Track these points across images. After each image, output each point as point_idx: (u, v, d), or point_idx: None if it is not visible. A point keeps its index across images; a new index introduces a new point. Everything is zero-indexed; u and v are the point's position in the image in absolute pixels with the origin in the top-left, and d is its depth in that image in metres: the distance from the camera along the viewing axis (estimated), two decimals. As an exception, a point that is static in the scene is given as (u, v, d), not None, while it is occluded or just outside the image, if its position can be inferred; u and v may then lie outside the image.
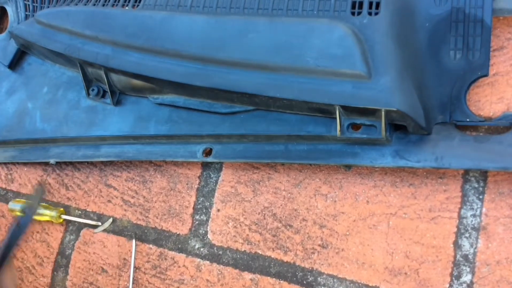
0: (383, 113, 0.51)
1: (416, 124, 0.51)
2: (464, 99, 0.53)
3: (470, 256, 0.53)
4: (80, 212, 0.74)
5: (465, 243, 0.53)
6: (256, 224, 0.63)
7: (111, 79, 0.68)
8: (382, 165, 0.55)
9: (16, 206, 0.76)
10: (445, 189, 0.55)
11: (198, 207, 0.67)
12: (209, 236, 0.66)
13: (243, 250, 0.63)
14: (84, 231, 0.74)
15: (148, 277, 0.68)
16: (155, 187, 0.70)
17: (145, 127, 0.67)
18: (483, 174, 0.54)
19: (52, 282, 0.74)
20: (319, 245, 0.60)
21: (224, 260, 0.64)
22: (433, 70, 0.54)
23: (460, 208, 0.54)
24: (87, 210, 0.74)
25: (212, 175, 0.67)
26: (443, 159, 0.52)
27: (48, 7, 0.75)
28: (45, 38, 0.71)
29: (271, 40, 0.56)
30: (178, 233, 0.67)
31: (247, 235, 0.63)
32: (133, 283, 0.69)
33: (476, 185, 0.54)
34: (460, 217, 0.54)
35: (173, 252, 0.67)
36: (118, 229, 0.71)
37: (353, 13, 0.54)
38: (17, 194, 0.80)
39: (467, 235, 0.54)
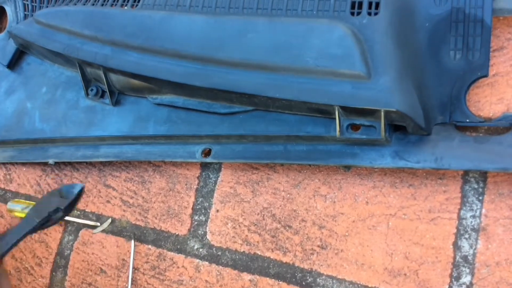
0: (382, 113, 0.51)
1: (416, 124, 0.51)
2: (464, 100, 0.53)
3: (469, 257, 0.53)
4: (79, 212, 0.74)
5: (465, 244, 0.53)
6: (255, 224, 0.63)
7: (110, 79, 0.68)
8: (382, 166, 0.54)
9: (15, 206, 0.76)
10: (444, 190, 0.55)
11: (197, 207, 0.67)
12: (208, 236, 0.65)
13: (242, 250, 0.63)
14: (83, 232, 0.73)
15: (147, 278, 0.68)
16: (154, 188, 0.70)
17: (144, 127, 0.67)
18: (483, 175, 0.54)
19: (51, 283, 0.74)
20: (318, 246, 0.59)
21: (223, 260, 0.64)
22: (433, 70, 0.54)
23: (460, 209, 0.54)
24: (86, 210, 0.74)
25: (211, 176, 0.67)
26: (443, 160, 0.52)
27: (47, 7, 0.75)
28: (44, 38, 0.71)
29: (270, 40, 0.56)
30: (177, 233, 0.67)
31: (246, 235, 0.63)
32: (132, 283, 0.68)
33: (476, 186, 0.54)
34: (460, 218, 0.54)
35: (172, 253, 0.67)
36: (117, 229, 0.71)
37: (352, 13, 0.54)
38: (16, 194, 0.79)
39: (466, 236, 0.53)
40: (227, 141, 0.63)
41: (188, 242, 0.66)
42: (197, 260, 0.65)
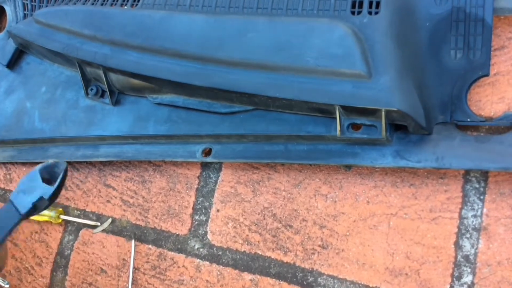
0: (383, 113, 0.51)
1: (417, 124, 0.51)
2: (465, 99, 0.53)
3: (471, 257, 0.53)
4: (79, 212, 0.74)
5: (466, 244, 0.53)
6: (256, 224, 0.63)
7: (110, 78, 0.68)
8: (383, 165, 0.54)
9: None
10: (446, 190, 0.55)
11: (198, 207, 0.67)
12: (209, 236, 0.65)
13: (242, 250, 0.63)
14: (83, 232, 0.73)
15: (148, 278, 0.68)
16: (154, 187, 0.70)
17: (144, 127, 0.67)
18: (484, 175, 0.54)
19: (51, 283, 0.74)
20: (319, 246, 0.59)
21: (223, 260, 0.64)
22: (434, 70, 0.54)
23: (461, 209, 0.54)
24: (86, 210, 0.74)
25: (211, 175, 0.67)
26: (444, 159, 0.52)
27: (47, 6, 0.75)
28: (44, 37, 0.71)
29: (270, 40, 0.56)
30: (177, 233, 0.67)
31: (247, 235, 0.63)
32: (132, 283, 0.68)
33: (477, 186, 0.54)
34: (461, 218, 0.54)
35: (172, 253, 0.67)
36: (117, 229, 0.71)
37: (353, 13, 0.54)
38: None
39: (468, 235, 0.53)
40: (228, 140, 0.63)
41: (189, 242, 0.66)
42: (198, 260, 0.65)
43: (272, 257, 0.61)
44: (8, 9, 0.80)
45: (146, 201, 0.70)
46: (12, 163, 0.80)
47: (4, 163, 0.81)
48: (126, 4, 0.67)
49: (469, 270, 0.53)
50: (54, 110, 0.74)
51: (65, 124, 0.73)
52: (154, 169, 0.70)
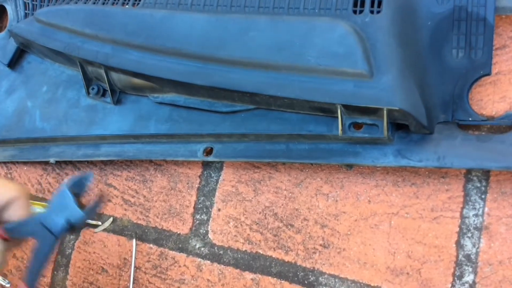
0: (385, 112, 0.51)
1: (418, 123, 0.51)
2: (466, 98, 0.53)
3: (472, 256, 0.53)
4: (80, 211, 0.74)
5: (467, 243, 0.53)
6: (257, 223, 0.63)
7: (111, 77, 0.68)
8: (384, 165, 0.54)
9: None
10: (447, 189, 0.55)
11: (199, 206, 0.67)
12: (210, 235, 0.65)
13: (244, 249, 0.63)
14: (84, 231, 0.73)
15: (149, 277, 0.68)
16: (155, 187, 0.69)
17: (145, 126, 0.67)
18: (486, 174, 0.54)
19: (52, 282, 0.74)
20: (320, 245, 0.59)
21: (225, 259, 0.64)
22: (435, 69, 0.54)
23: (462, 208, 0.54)
24: (87, 209, 0.74)
25: (212, 175, 0.67)
26: (445, 159, 0.52)
27: (48, 5, 0.75)
28: (45, 36, 0.71)
29: (272, 39, 0.56)
30: (178, 232, 0.67)
31: (248, 234, 0.63)
32: (133, 282, 0.68)
33: (479, 185, 0.54)
34: (462, 217, 0.54)
35: (173, 252, 0.67)
36: (119, 228, 0.71)
37: (355, 12, 0.54)
38: None
39: (469, 235, 0.53)
40: (229, 139, 0.63)
41: (190, 241, 0.66)
42: (199, 259, 0.65)
43: (273, 256, 0.61)
44: (9, 8, 0.80)
45: (147, 200, 0.70)
46: (13, 163, 0.80)
47: (5, 163, 0.81)
48: (127, 3, 0.67)
49: (470, 269, 0.53)
50: (55, 109, 0.74)
51: (66, 124, 0.73)
52: (155, 168, 0.70)
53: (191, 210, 0.67)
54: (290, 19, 0.56)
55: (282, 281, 0.60)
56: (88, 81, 0.71)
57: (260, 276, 0.62)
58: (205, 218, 0.66)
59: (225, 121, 0.62)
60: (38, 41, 0.71)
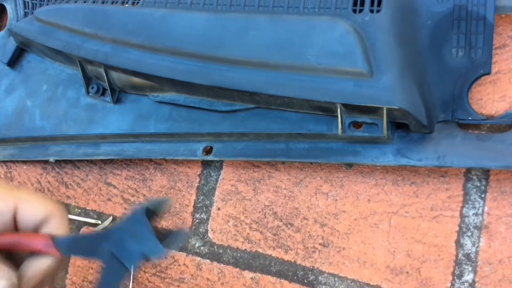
0: (384, 111, 0.51)
1: (418, 122, 0.51)
2: (466, 97, 0.53)
3: (472, 255, 0.53)
4: (79, 210, 0.74)
5: (467, 242, 0.53)
6: (257, 222, 0.63)
7: (111, 77, 0.68)
8: (384, 164, 0.54)
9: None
10: (447, 188, 0.55)
11: (198, 205, 0.67)
12: (210, 234, 0.65)
13: (243, 248, 0.63)
14: (84, 230, 0.73)
15: (148, 276, 0.68)
16: (155, 186, 0.70)
17: (145, 125, 0.67)
18: (485, 173, 0.54)
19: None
20: (320, 244, 0.59)
21: (224, 258, 0.64)
22: (435, 68, 0.54)
23: (462, 207, 0.54)
24: (87, 208, 0.74)
25: (212, 174, 0.67)
26: (445, 158, 0.52)
27: (48, 4, 0.75)
28: (44, 35, 0.71)
29: (271, 38, 0.56)
30: (178, 231, 0.67)
31: (248, 233, 0.63)
32: (133, 281, 0.68)
33: (478, 184, 0.54)
34: (462, 216, 0.54)
35: (173, 251, 0.67)
36: (118, 227, 0.71)
37: (354, 11, 0.54)
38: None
39: (469, 234, 0.53)
40: (229, 139, 0.63)
41: (190, 240, 0.66)
42: (199, 258, 0.65)
43: (273, 255, 0.61)
44: (9, 7, 0.80)
45: (147, 200, 0.70)
46: (12, 162, 0.80)
47: (4, 162, 0.81)
48: (127, 2, 0.67)
49: (470, 268, 0.53)
50: (55, 108, 0.74)
51: (66, 123, 0.73)
52: (155, 167, 0.70)
53: (190, 209, 0.67)
54: (290, 18, 0.56)
55: (282, 280, 0.60)
56: (88, 80, 0.71)
57: (259, 275, 0.62)
58: (205, 217, 0.66)
59: (225, 120, 0.62)
60: (37, 40, 0.71)
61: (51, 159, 0.74)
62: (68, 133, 0.72)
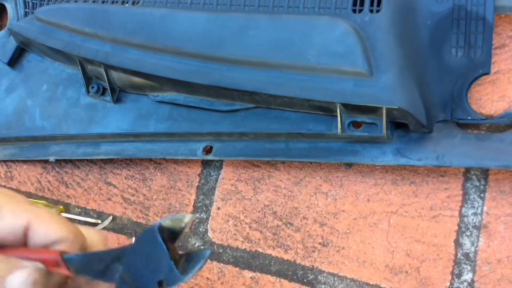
0: (384, 111, 0.51)
1: (417, 122, 0.51)
2: (465, 97, 0.53)
3: (471, 255, 0.53)
4: (79, 210, 0.74)
5: (466, 242, 0.53)
6: (257, 222, 0.63)
7: (111, 76, 0.68)
8: (383, 163, 0.55)
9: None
10: (446, 188, 0.55)
11: (198, 205, 0.67)
12: (209, 234, 0.65)
13: (243, 248, 0.63)
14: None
15: (148, 275, 0.68)
16: (155, 185, 0.70)
17: (145, 124, 0.67)
18: (484, 173, 0.54)
19: (52, 280, 0.74)
20: (319, 243, 0.59)
21: (224, 258, 0.64)
22: (435, 68, 0.54)
23: (461, 207, 0.54)
24: (87, 208, 0.74)
25: (212, 173, 0.67)
26: (444, 157, 0.52)
27: (48, 4, 0.75)
28: (45, 35, 0.71)
29: (271, 38, 0.56)
30: (178, 231, 0.67)
31: (247, 233, 0.63)
32: None
33: (477, 184, 0.54)
34: (461, 216, 0.54)
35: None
36: (118, 227, 0.71)
37: (354, 11, 0.54)
38: (17, 192, 0.79)
39: (468, 233, 0.53)
40: (229, 138, 0.63)
41: (189, 239, 0.66)
42: (198, 258, 0.65)
43: (273, 254, 0.61)
44: (9, 7, 0.80)
45: (147, 199, 0.70)
46: (12, 161, 0.80)
47: (5, 161, 0.81)
48: (127, 2, 0.67)
49: (469, 268, 0.53)
50: (55, 108, 0.74)
51: (66, 122, 0.73)
52: (155, 167, 0.70)
53: (190, 208, 0.67)
54: (290, 18, 0.56)
55: (281, 280, 0.60)
56: (88, 79, 0.71)
57: (259, 274, 0.62)
58: (205, 216, 0.66)
59: (225, 120, 0.63)
60: (38, 40, 0.72)
61: (51, 158, 0.74)
62: (68, 132, 0.72)
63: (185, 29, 0.60)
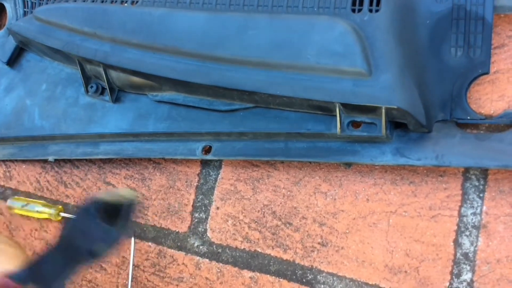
0: (383, 110, 0.51)
1: (417, 121, 0.51)
2: (465, 97, 0.53)
3: (470, 255, 0.53)
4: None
5: (466, 242, 0.53)
6: (256, 222, 0.63)
7: (110, 76, 0.68)
8: (382, 163, 0.54)
9: (15, 203, 0.76)
10: (445, 187, 0.55)
11: (197, 205, 0.67)
12: (209, 234, 0.65)
13: (242, 248, 0.63)
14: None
15: (147, 275, 0.68)
16: (154, 185, 0.70)
17: (144, 124, 0.67)
18: (484, 172, 0.54)
19: (51, 280, 0.74)
20: (318, 243, 0.59)
21: (223, 258, 0.64)
22: (434, 68, 0.54)
23: (461, 206, 0.54)
24: (86, 207, 0.74)
25: (211, 173, 0.67)
26: (444, 157, 0.52)
27: (47, 3, 0.75)
28: (44, 34, 0.71)
29: (271, 37, 0.56)
30: (177, 231, 0.67)
31: (247, 233, 0.63)
32: (132, 281, 0.68)
33: (477, 183, 0.54)
34: (461, 215, 0.54)
35: (172, 250, 0.67)
36: (117, 226, 0.71)
37: (353, 10, 0.54)
38: (16, 192, 0.79)
39: (467, 233, 0.53)
40: (228, 138, 0.63)
41: (188, 239, 0.66)
42: (198, 257, 0.65)
43: (272, 254, 0.61)
44: (8, 6, 0.80)
45: (146, 199, 0.70)
46: (12, 161, 0.80)
47: (4, 161, 0.81)
48: (126, 2, 0.67)
49: (468, 267, 0.53)
50: (54, 107, 0.74)
51: (65, 122, 0.73)
52: (154, 166, 0.70)
53: (189, 208, 0.67)
54: (289, 17, 0.56)
55: (281, 279, 0.60)
56: (87, 79, 0.71)
57: (258, 274, 0.62)
58: (204, 216, 0.66)
59: (224, 120, 0.63)
60: (37, 39, 0.71)
61: (50, 158, 0.74)
62: (67, 132, 0.72)
63: (184, 28, 0.60)
